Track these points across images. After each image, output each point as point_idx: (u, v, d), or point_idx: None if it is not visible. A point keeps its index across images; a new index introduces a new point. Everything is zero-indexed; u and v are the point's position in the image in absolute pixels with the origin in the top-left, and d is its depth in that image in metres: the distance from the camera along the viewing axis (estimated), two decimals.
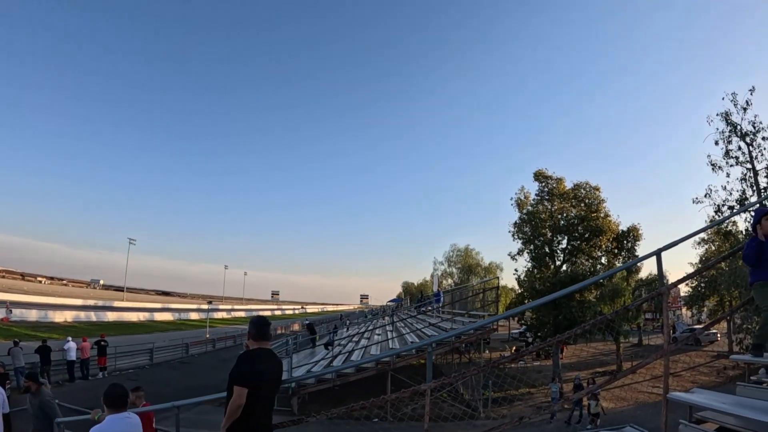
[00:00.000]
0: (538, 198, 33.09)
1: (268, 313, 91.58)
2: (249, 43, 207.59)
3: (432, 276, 69.68)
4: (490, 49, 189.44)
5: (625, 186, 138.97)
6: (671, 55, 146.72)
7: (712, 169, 23.33)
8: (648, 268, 37.09)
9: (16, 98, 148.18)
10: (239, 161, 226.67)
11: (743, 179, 22.36)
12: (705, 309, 36.60)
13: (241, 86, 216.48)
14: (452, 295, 28.76)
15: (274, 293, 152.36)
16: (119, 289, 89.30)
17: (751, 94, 22.15)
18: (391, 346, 19.69)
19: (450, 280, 67.24)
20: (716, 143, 23.30)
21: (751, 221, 4.42)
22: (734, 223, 24.67)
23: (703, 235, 35.86)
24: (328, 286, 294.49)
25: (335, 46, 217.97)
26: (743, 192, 22.18)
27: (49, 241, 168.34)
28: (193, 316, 70.54)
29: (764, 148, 21.87)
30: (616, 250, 31.20)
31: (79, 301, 57.14)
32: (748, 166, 22.28)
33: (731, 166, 22.78)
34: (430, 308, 28.58)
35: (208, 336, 42.56)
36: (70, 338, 21.57)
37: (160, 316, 62.93)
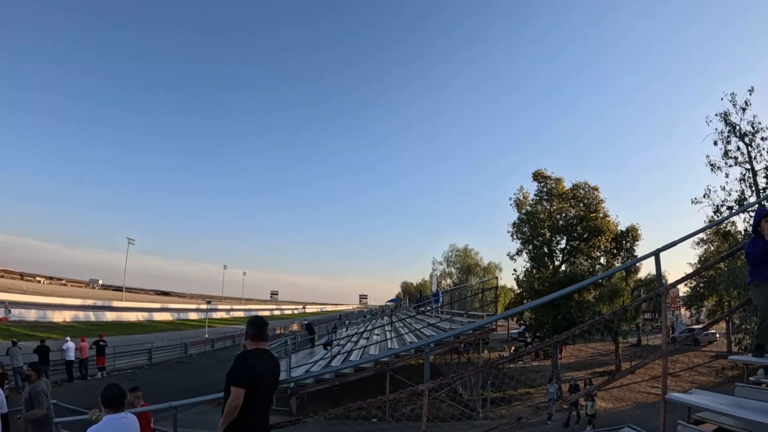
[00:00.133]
0: (537, 198, 33.11)
1: (267, 313, 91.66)
2: (249, 44, 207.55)
3: (431, 276, 69.67)
4: (489, 49, 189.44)
5: (624, 186, 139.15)
6: (670, 55, 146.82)
7: (711, 169, 23.34)
8: (647, 268, 37.09)
9: (15, 99, 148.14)
10: (239, 161, 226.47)
11: (742, 180, 22.36)
12: (704, 309, 36.62)
13: (240, 86, 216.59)
14: (451, 296, 28.77)
15: (273, 293, 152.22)
16: (118, 289, 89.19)
17: (750, 94, 22.17)
18: (389, 347, 19.68)
19: (449, 280, 67.28)
20: (715, 143, 23.33)
21: (751, 222, 4.42)
22: (733, 223, 24.66)
23: (702, 235, 35.88)
24: (327, 286, 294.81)
25: (335, 47, 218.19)
26: (742, 192, 22.19)
27: (48, 240, 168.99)
28: (192, 316, 70.47)
29: (763, 149, 21.88)
30: (614, 251, 31.21)
31: (77, 301, 57.03)
32: (747, 166, 22.29)
33: (730, 166, 22.80)
34: (429, 308, 28.59)
35: (206, 336, 42.58)
36: (68, 338, 21.58)
37: (158, 316, 62.91)
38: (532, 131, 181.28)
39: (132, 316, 56.59)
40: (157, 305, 72.63)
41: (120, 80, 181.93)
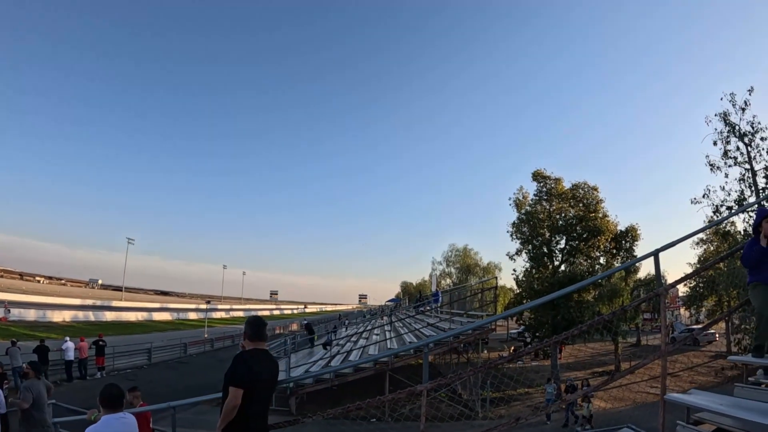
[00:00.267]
0: (537, 198, 33.10)
1: (266, 313, 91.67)
2: (249, 44, 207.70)
3: (430, 276, 69.71)
4: (489, 50, 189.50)
5: (624, 186, 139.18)
6: (670, 55, 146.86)
7: (711, 169, 23.35)
8: (646, 268, 37.11)
9: (16, 99, 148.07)
10: (239, 161, 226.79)
11: (741, 180, 22.37)
12: (703, 309, 36.62)
13: (240, 86, 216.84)
14: (451, 295, 28.77)
15: (273, 293, 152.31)
16: (118, 288, 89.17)
17: (750, 94, 22.19)
18: (389, 346, 19.68)
19: (448, 280, 67.31)
20: (715, 143, 23.34)
21: (752, 222, 4.41)
22: (733, 223, 24.66)
23: (701, 235, 35.87)
24: (326, 286, 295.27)
25: (335, 47, 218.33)
26: (742, 192, 22.20)
27: (48, 240, 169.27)
28: (192, 315, 70.42)
29: (762, 149, 21.90)
30: (614, 251, 31.20)
31: (77, 301, 56.99)
32: (747, 166, 22.29)
33: (730, 166, 22.81)
34: (428, 308, 28.58)
35: (206, 336, 42.55)
36: (68, 338, 21.58)
37: (158, 316, 62.84)
38: (532, 131, 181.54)
39: (131, 316, 56.53)
40: (157, 305, 72.61)
41: (120, 80, 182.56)
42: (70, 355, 20.31)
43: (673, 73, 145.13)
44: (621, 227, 31.46)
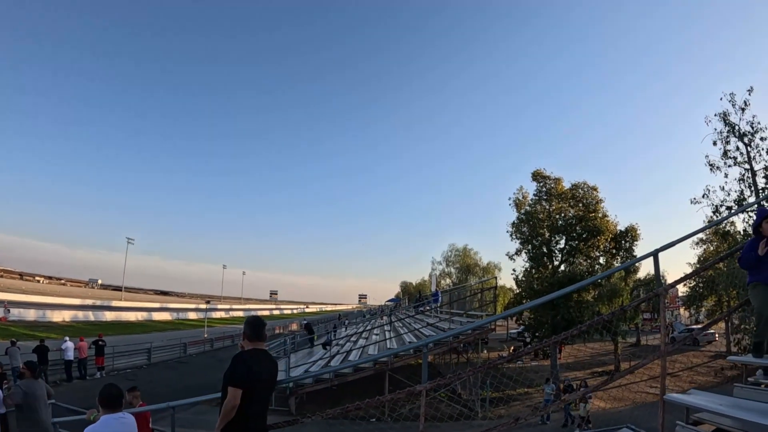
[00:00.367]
0: (536, 198, 33.08)
1: (266, 313, 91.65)
2: (249, 44, 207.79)
3: (430, 276, 69.70)
4: (489, 50, 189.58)
5: (624, 186, 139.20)
6: (670, 55, 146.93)
7: (711, 169, 23.35)
8: (646, 268, 37.13)
9: (16, 100, 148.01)
10: (238, 161, 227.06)
11: (741, 180, 22.37)
12: (703, 309, 36.62)
13: (240, 86, 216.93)
14: (450, 295, 28.77)
15: (273, 293, 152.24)
16: (117, 288, 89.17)
17: (750, 94, 22.20)
18: (388, 346, 19.68)
19: (448, 280, 67.29)
20: (714, 143, 23.34)
21: (752, 222, 4.41)
22: (732, 223, 24.65)
23: (701, 235, 35.87)
24: (326, 286, 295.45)
25: (335, 47, 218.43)
26: (741, 192, 22.19)
27: (48, 240, 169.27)
28: (191, 315, 70.42)
29: (762, 149, 21.90)
30: (614, 250, 31.18)
31: (77, 301, 56.97)
32: (747, 166, 22.29)
33: (729, 166, 22.81)
34: (428, 308, 28.58)
35: (206, 336, 42.55)
36: (67, 338, 21.56)
37: (158, 316, 62.85)
38: (532, 131, 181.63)
39: (131, 316, 56.53)
40: (157, 305, 72.60)
41: (120, 81, 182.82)
42: (70, 355, 20.30)
43: (673, 73, 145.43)
44: (621, 227, 31.46)
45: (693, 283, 31.76)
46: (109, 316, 52.20)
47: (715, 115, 23.16)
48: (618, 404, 17.82)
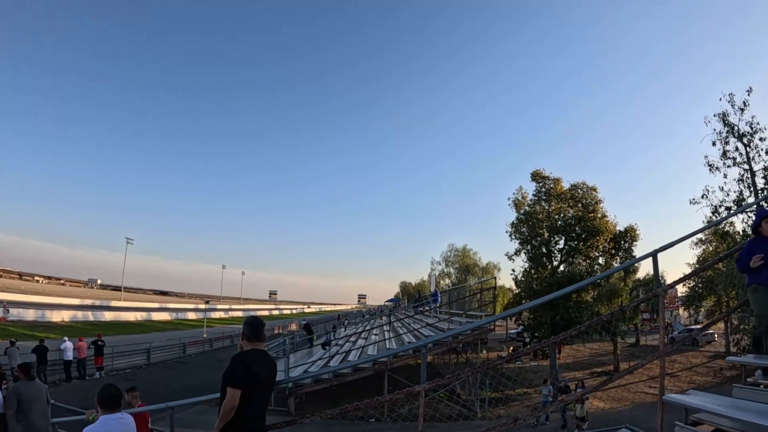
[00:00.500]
0: (536, 198, 33.07)
1: (265, 313, 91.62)
2: (249, 44, 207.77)
3: (429, 276, 69.63)
4: (489, 50, 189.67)
5: (623, 186, 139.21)
6: (670, 55, 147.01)
7: (710, 169, 23.37)
8: (645, 269, 37.15)
9: (16, 100, 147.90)
10: (238, 161, 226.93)
11: (740, 180, 22.40)
12: (702, 309, 36.66)
13: (240, 86, 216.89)
14: (450, 296, 28.76)
15: (272, 293, 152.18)
16: (117, 288, 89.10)
17: (749, 95, 22.21)
18: (388, 346, 19.68)
19: (447, 280, 67.26)
20: (713, 144, 23.37)
21: (751, 222, 4.41)
22: (731, 224, 24.67)
23: (700, 235, 35.89)
24: (325, 286, 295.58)
25: (335, 47, 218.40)
26: (740, 193, 22.21)
27: (47, 240, 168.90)
28: (191, 315, 70.39)
29: (761, 149, 21.93)
30: (613, 251, 31.17)
31: (76, 301, 56.93)
32: (746, 167, 22.32)
33: (728, 167, 22.83)
34: (427, 308, 28.58)
35: (205, 336, 42.55)
36: (66, 338, 21.54)
37: (157, 316, 62.80)
38: (532, 131, 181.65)
39: (130, 316, 56.49)
40: (156, 305, 72.56)
41: (120, 81, 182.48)
42: (69, 355, 20.29)
43: (673, 73, 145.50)
44: (620, 227, 31.46)
45: (692, 284, 31.81)
46: (108, 316, 52.17)
47: (715, 115, 23.22)
48: (617, 404, 17.83)
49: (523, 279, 32.80)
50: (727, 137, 22.87)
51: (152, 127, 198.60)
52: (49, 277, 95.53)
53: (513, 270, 34.32)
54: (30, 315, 40.71)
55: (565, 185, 32.58)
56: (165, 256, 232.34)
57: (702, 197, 23.36)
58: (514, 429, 4.02)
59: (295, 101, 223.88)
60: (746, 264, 4.02)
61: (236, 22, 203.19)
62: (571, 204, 31.91)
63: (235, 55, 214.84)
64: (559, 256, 32.09)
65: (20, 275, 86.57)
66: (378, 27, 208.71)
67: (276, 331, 50.78)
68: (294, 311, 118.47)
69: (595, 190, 32.01)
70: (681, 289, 37.16)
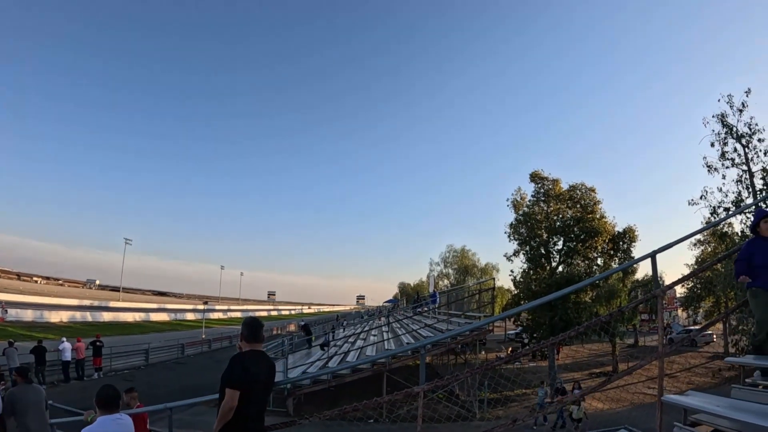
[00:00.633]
0: (534, 199, 33.10)
1: (264, 314, 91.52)
2: (248, 47, 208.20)
3: (428, 277, 69.57)
4: (489, 51, 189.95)
5: (623, 187, 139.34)
6: (670, 55, 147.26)
7: (708, 170, 23.36)
8: (644, 269, 37.17)
9: (16, 101, 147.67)
10: (237, 162, 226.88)
11: (739, 181, 22.40)
12: (701, 310, 36.70)
13: (240, 88, 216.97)
14: (448, 296, 28.75)
15: (271, 294, 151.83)
16: (115, 289, 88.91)
17: (747, 95, 22.23)
18: (386, 347, 19.67)
19: (446, 281, 67.29)
20: (712, 145, 23.36)
21: (749, 223, 4.43)
22: (730, 224, 24.69)
23: (699, 236, 35.93)
24: (324, 287, 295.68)
25: (335, 48, 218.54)
26: (739, 194, 22.22)
27: (46, 240, 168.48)
28: (189, 316, 70.29)
29: (760, 150, 21.94)
30: (611, 252, 31.21)
31: (74, 301, 56.70)
32: (744, 167, 22.32)
33: (727, 167, 22.83)
34: (426, 309, 28.57)
35: (203, 336, 42.47)
36: (64, 339, 21.49)
37: (155, 317, 62.72)
38: (531, 131, 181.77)
39: (129, 317, 56.39)
40: (154, 305, 72.34)
41: (119, 81, 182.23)
42: (67, 356, 20.25)
43: (673, 74, 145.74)
44: (619, 228, 31.51)
45: (691, 284, 31.83)
46: (106, 316, 52.07)
47: (713, 116, 23.22)
48: (615, 405, 17.85)
49: (521, 280, 32.79)
50: (725, 138, 22.89)
51: (152, 128, 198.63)
52: (48, 278, 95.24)
53: (512, 271, 34.36)
54: (28, 315, 40.60)
55: (564, 186, 32.66)
56: (163, 257, 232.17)
57: (701, 198, 23.39)
58: (513, 430, 4.02)
59: (296, 102, 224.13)
60: (741, 270, 4.03)
61: (236, 25, 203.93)
62: (569, 205, 31.96)
63: (235, 57, 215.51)
64: (558, 256, 32.10)
65: (18, 275, 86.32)
66: (378, 27, 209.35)
67: (275, 332, 50.75)
68: (293, 312, 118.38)
69: (593, 191, 32.08)
70: (680, 290, 37.28)
